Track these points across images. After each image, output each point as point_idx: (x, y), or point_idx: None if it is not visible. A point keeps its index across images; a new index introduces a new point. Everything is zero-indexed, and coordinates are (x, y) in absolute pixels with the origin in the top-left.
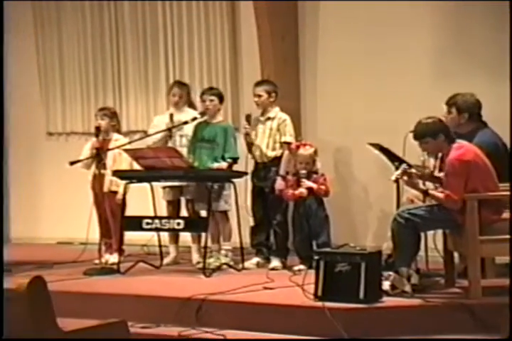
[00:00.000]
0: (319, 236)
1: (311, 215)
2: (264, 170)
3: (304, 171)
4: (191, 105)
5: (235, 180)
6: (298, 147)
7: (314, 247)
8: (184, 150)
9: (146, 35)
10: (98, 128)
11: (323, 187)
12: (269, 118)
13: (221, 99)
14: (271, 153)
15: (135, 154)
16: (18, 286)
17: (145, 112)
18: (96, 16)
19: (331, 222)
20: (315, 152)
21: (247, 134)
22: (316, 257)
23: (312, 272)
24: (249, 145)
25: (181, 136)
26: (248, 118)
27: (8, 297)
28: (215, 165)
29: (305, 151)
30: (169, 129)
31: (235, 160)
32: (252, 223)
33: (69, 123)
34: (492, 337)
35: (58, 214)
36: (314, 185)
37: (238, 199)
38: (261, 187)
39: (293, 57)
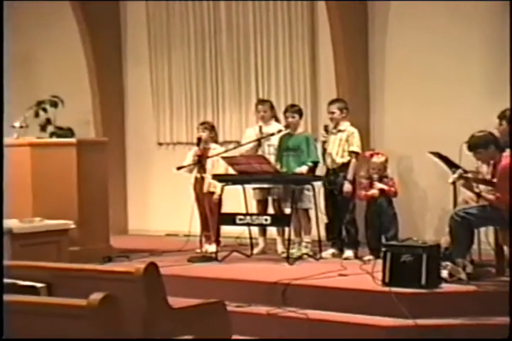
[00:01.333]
0: (388, 230)
1: (382, 213)
2: (334, 175)
3: (376, 176)
4: (276, 119)
5: (314, 183)
6: (372, 155)
7: (383, 240)
8: (272, 158)
9: (239, 59)
10: (199, 139)
11: (392, 188)
12: (340, 131)
13: (301, 114)
14: (340, 160)
15: (230, 161)
16: (136, 270)
17: (238, 125)
18: (199, 44)
19: (398, 219)
20: (386, 160)
21: (324, 142)
22: (384, 249)
23: (380, 262)
24: (325, 154)
25: (269, 145)
26: (326, 128)
27: (127, 278)
28: (297, 169)
29: (378, 159)
30: (259, 140)
31: (316, 163)
32: (325, 220)
33: (176, 134)
34: None
35: (166, 210)
36: (385, 187)
37: (316, 200)
38: (331, 190)
39: (363, 73)
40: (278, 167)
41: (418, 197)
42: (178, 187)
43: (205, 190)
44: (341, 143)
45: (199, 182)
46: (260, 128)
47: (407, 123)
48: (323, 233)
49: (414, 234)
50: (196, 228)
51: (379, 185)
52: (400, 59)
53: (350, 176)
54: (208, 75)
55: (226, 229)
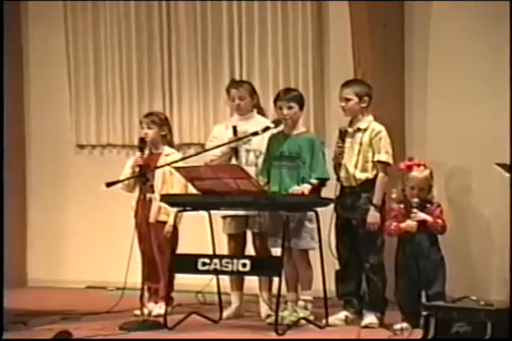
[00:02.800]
0: (431, 284)
1: (422, 256)
2: (352, 196)
3: (416, 200)
4: (261, 110)
5: (318, 209)
6: (410, 167)
7: (423, 299)
8: (252, 170)
9: (206, 24)
10: (143, 140)
11: (439, 220)
12: (359, 130)
13: (302, 105)
14: (360, 175)
15: (190, 174)
16: None
17: (202, 121)
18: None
19: (446, 267)
20: (431, 175)
21: (340, 154)
22: (424, 313)
23: (419, 332)
24: (339, 166)
25: (248, 151)
26: (343, 132)
27: None
28: (294, 189)
29: (420, 173)
30: (233, 142)
31: (323, 180)
32: (337, 266)
33: (105, 133)
34: None
35: (89, 250)
36: (429, 218)
37: (322, 235)
38: (348, 219)
39: (397, 50)
40: (263, 184)
41: (477, 232)
42: (108, 213)
43: (151, 218)
44: (362, 150)
45: (143, 207)
46: (235, 130)
47: (461, 123)
48: (331, 286)
49: (471, 290)
50: (136, 277)
51: (420, 215)
52: (449, 36)
53: (377, 199)
54: (156, 47)
55: (182, 280)
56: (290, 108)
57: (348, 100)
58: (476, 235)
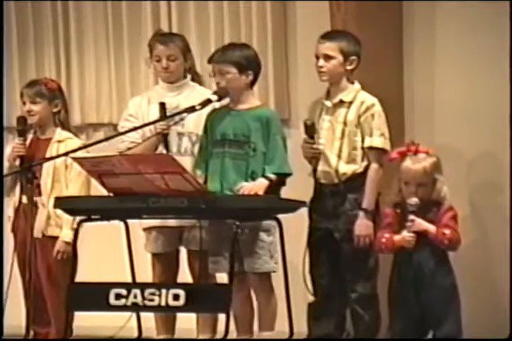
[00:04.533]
0: (441, 322)
1: (424, 283)
2: (334, 198)
3: (413, 200)
4: (196, 77)
5: (281, 216)
6: (403, 154)
7: None
8: (187, 161)
9: None
10: (25, 120)
11: (447, 231)
12: (342, 103)
13: (251, 67)
14: (345, 168)
15: (97, 167)
16: None
17: (115, 92)
18: None
19: (460, 297)
20: (435, 165)
21: (313, 157)
22: None
23: None
24: (314, 156)
25: (181, 134)
26: (312, 127)
27: None
28: (243, 186)
29: (415, 163)
30: (160, 121)
31: (284, 176)
32: (311, 297)
33: None
34: None
35: None
36: (433, 227)
37: (286, 254)
38: (327, 231)
39: None
40: (201, 180)
41: (503, 249)
42: None
43: (36, 232)
44: (347, 131)
45: (26, 215)
46: (163, 108)
47: (479, 93)
48: (302, 326)
49: (494, 328)
50: (17, 318)
51: (418, 223)
52: None
53: (368, 202)
54: None
55: (87, 320)
56: (223, 73)
57: (329, 58)
58: (501, 251)
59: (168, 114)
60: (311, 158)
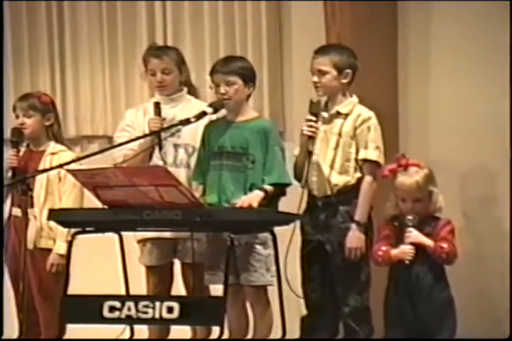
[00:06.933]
0: (436, 336)
1: (421, 297)
2: (326, 210)
3: (410, 217)
4: (192, 89)
5: (276, 228)
6: (394, 171)
7: None
8: (183, 173)
9: None
10: (20, 132)
11: (444, 245)
12: (338, 114)
13: (249, 79)
14: (338, 179)
15: (91, 179)
16: None
17: (109, 104)
18: None
19: (456, 311)
20: (427, 177)
21: (311, 137)
22: None
23: None
24: (312, 136)
25: (177, 146)
26: (316, 104)
27: None
28: (240, 199)
29: (408, 178)
30: (155, 133)
31: (283, 186)
32: (304, 311)
33: None
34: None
35: None
36: (430, 242)
37: (280, 266)
38: (319, 243)
39: (387, 7)
40: (199, 192)
41: (500, 262)
42: None
43: (29, 244)
44: (342, 142)
45: (18, 227)
46: (157, 106)
47: (479, 105)
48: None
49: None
50: (10, 331)
51: (415, 236)
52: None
53: (361, 214)
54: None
55: (81, 332)
56: (230, 84)
57: (323, 73)
58: (501, 265)
59: (164, 125)
60: (308, 138)
